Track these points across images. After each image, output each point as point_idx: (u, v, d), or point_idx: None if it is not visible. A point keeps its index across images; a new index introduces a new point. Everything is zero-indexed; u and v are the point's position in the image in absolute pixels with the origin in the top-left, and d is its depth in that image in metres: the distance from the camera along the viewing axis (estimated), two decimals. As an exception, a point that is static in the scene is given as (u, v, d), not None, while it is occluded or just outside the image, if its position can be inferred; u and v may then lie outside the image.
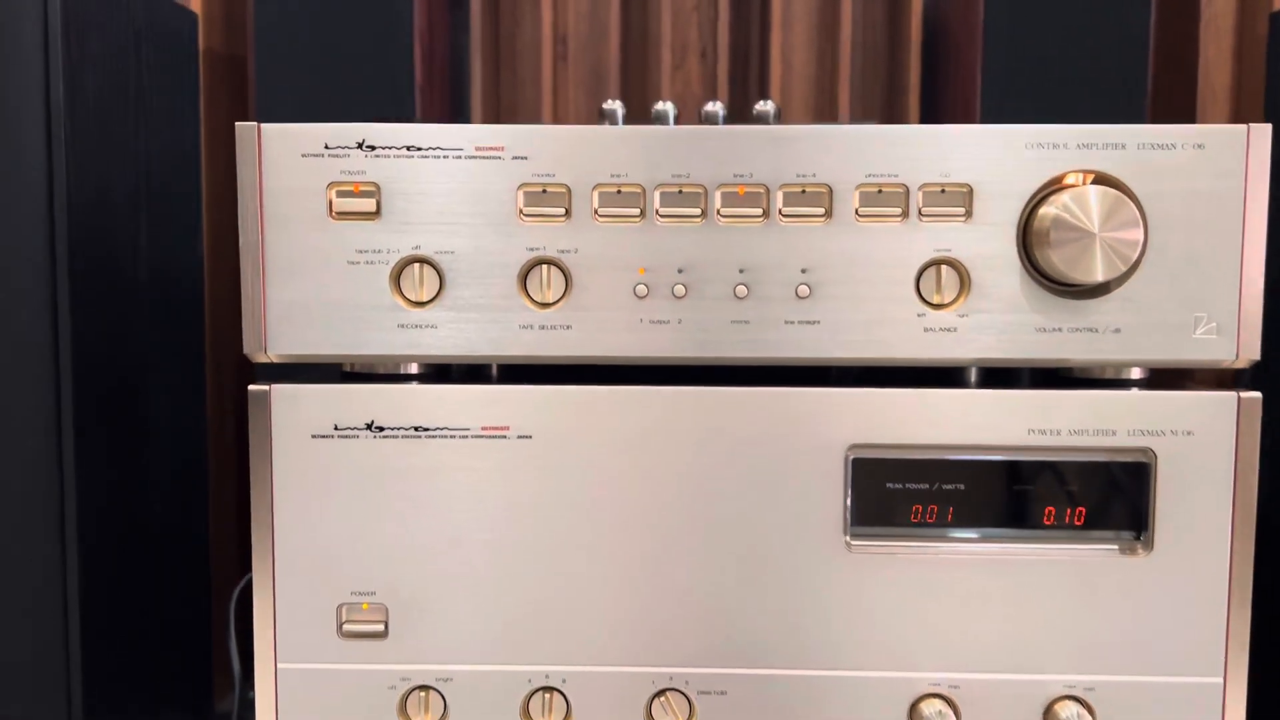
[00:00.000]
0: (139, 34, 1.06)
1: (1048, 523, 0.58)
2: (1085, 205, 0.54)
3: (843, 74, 1.56)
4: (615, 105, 1.33)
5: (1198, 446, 0.56)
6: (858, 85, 1.62)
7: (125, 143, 1.02)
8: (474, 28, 1.61)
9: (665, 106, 1.33)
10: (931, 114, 1.52)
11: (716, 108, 1.32)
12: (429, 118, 1.39)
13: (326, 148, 0.56)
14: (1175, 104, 1.53)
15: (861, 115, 1.62)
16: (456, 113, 1.58)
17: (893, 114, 1.60)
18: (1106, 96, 1.29)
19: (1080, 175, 0.56)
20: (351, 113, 1.29)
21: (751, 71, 1.66)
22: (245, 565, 1.44)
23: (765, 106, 1.31)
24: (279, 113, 1.28)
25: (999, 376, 0.59)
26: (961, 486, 0.58)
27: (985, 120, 1.31)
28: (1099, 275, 0.54)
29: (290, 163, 0.56)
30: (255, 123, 0.56)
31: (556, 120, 1.63)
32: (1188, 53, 1.52)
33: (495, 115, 1.65)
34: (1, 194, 0.86)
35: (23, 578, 0.78)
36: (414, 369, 0.60)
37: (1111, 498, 0.57)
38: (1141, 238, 0.54)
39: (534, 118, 1.62)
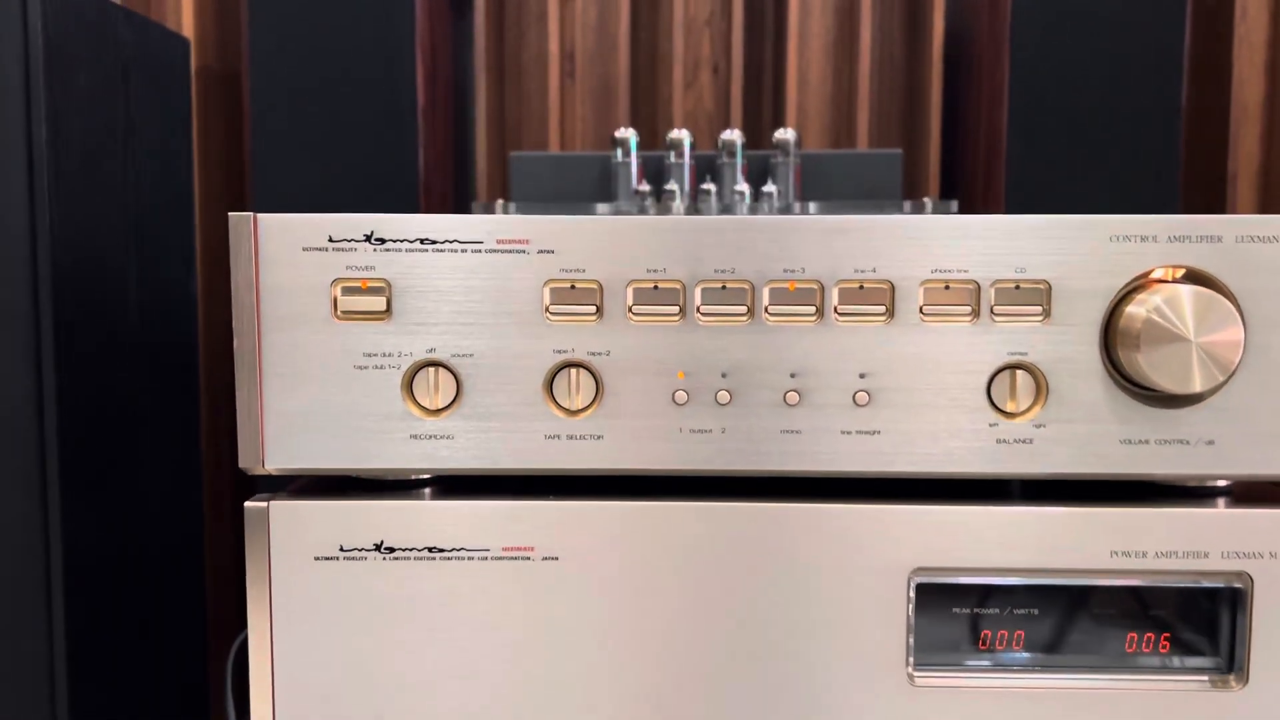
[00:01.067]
0: (127, 66, 1.00)
1: (1130, 651, 0.52)
2: (1179, 308, 0.48)
3: (861, 92, 1.50)
4: (628, 133, 1.28)
5: (1299, 570, 0.51)
6: (875, 104, 1.56)
7: (114, 184, 0.96)
8: (478, 42, 1.54)
9: (680, 135, 1.27)
10: (954, 136, 1.46)
11: (734, 135, 1.27)
12: (432, 142, 1.33)
13: (331, 240, 0.50)
14: (1208, 123, 1.47)
15: (880, 136, 1.56)
16: (460, 134, 1.52)
17: (913, 135, 1.54)
18: (1140, 115, 1.23)
19: (1170, 270, 0.50)
20: (351, 137, 1.24)
21: (765, 88, 1.60)
22: (243, 613, 1.38)
23: (785, 135, 1.26)
24: (274, 136, 1.23)
25: (1078, 488, 0.53)
26: (1035, 612, 0.52)
27: (1013, 142, 1.25)
28: (1196, 386, 0.48)
29: (290, 257, 0.50)
30: (250, 213, 0.50)
31: (564, 140, 1.57)
32: (1221, 69, 1.46)
33: (500, 135, 1.59)
34: (-19, 243, 0.81)
35: (8, 635, 0.75)
36: (427, 486, 0.55)
37: (1202, 625, 0.52)
38: (1241, 341, 0.49)
39: (540, 137, 1.56)
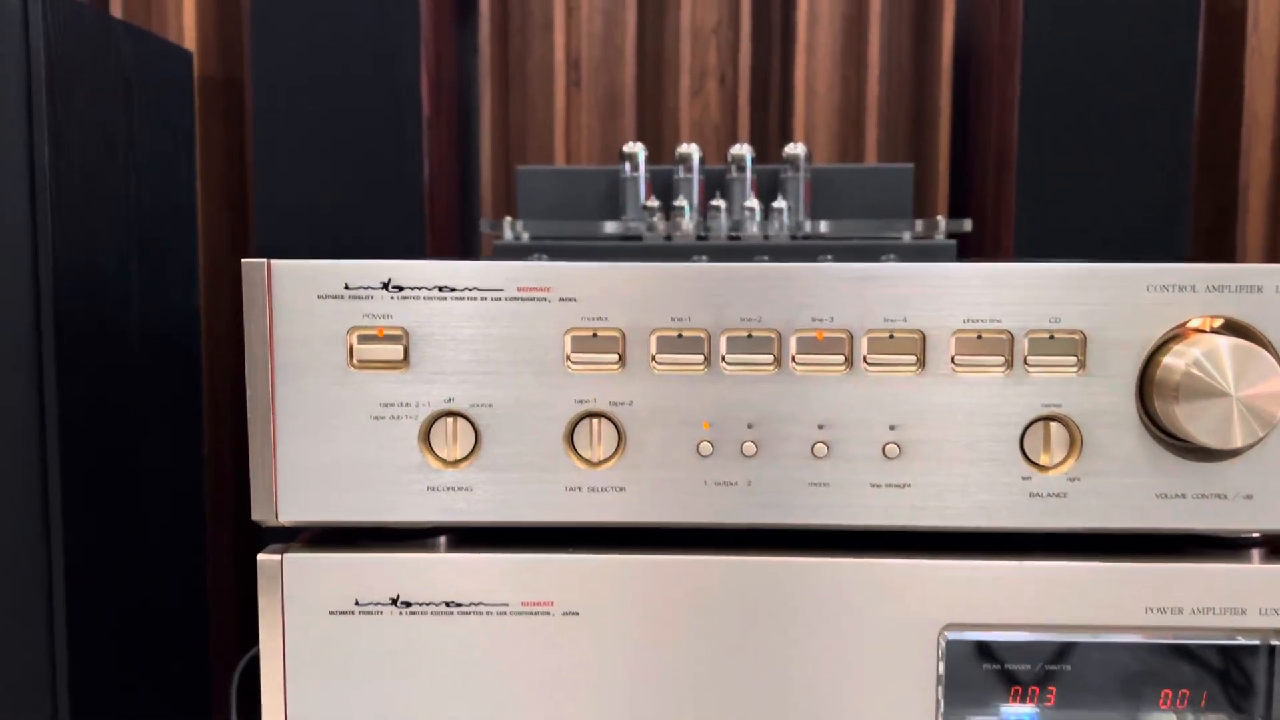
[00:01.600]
0: (129, 81, 0.98)
1: (1164, 707, 0.51)
2: (1219, 361, 0.47)
3: (870, 102, 1.49)
4: (636, 148, 1.26)
5: (1339, 627, 0.49)
6: (884, 114, 1.54)
7: (115, 200, 0.95)
8: (482, 50, 1.53)
9: (689, 149, 1.25)
10: (963, 147, 1.45)
11: (744, 150, 1.25)
12: (436, 152, 1.32)
13: (347, 288, 0.49)
14: (1218, 133, 1.46)
15: (888, 146, 1.55)
16: (464, 143, 1.51)
17: (921, 146, 1.53)
18: (1152, 127, 1.22)
19: (1208, 320, 0.49)
20: (355, 147, 1.22)
21: (773, 98, 1.59)
22: (246, 632, 1.37)
23: (795, 149, 1.24)
24: (277, 146, 1.21)
25: (1112, 542, 0.52)
26: (1068, 668, 0.51)
27: (1025, 154, 1.24)
28: (1237, 441, 0.47)
29: (305, 305, 0.49)
30: (264, 260, 0.49)
31: (569, 149, 1.55)
32: (1232, 80, 1.45)
33: (504, 144, 1.57)
34: (-18, 263, 0.80)
35: (10, 652, 0.75)
36: (444, 535, 0.53)
37: (1239, 683, 0.51)
38: (1283, 396, 0.47)
39: (545, 146, 1.54)
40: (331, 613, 0.51)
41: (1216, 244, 1.48)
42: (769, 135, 1.59)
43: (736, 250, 1.15)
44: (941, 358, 0.49)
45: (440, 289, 0.49)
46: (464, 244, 1.49)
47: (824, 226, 1.18)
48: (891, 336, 0.49)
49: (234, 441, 1.41)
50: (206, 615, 1.14)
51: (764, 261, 1.12)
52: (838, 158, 1.56)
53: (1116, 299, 0.49)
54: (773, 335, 0.49)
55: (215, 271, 1.42)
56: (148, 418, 0.98)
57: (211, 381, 1.35)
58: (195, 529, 1.10)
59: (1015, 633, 0.51)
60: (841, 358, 0.49)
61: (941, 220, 1.16)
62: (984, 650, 0.51)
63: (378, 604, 0.50)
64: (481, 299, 0.49)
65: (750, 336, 0.49)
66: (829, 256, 1.12)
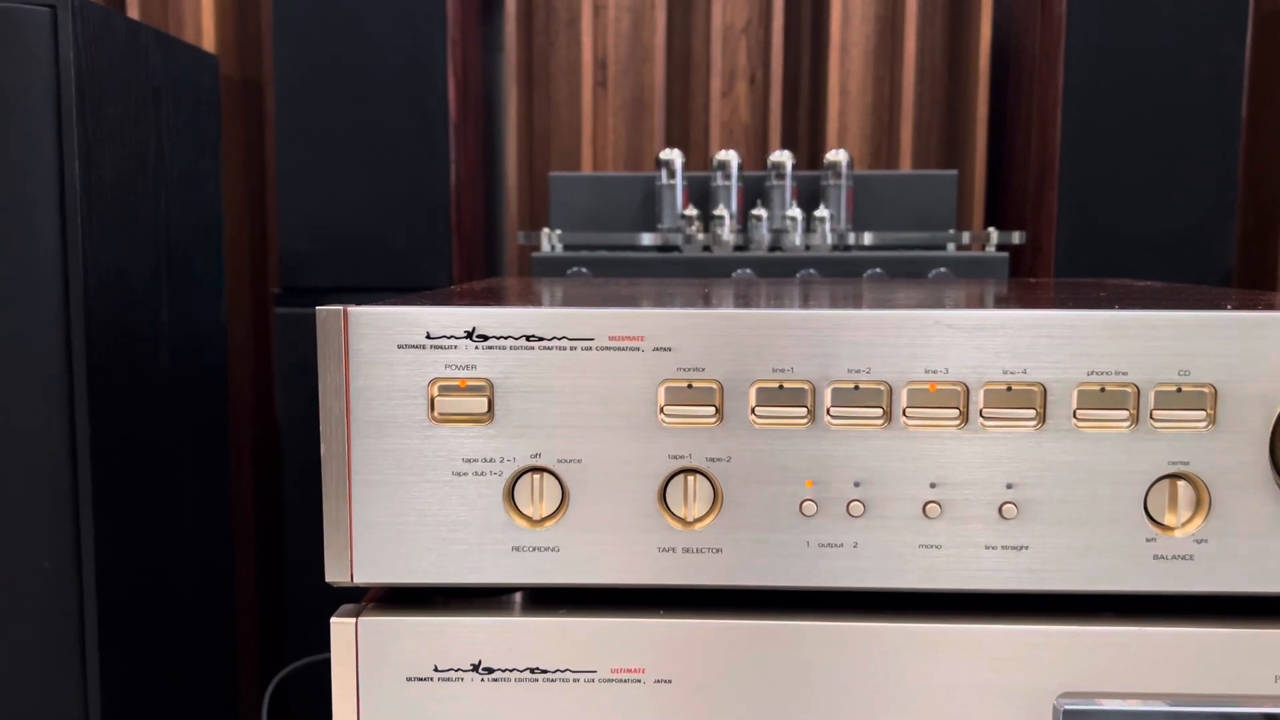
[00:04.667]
0: (159, 91, 0.95)
1: (1291, 780, 0.48)
2: (1364, 418, 0.44)
3: (905, 104, 1.45)
4: (673, 154, 1.23)
5: None
6: (917, 116, 1.51)
7: (145, 215, 0.92)
8: (507, 49, 1.49)
9: (728, 155, 1.22)
10: (999, 152, 1.42)
11: (784, 156, 1.22)
12: (463, 157, 1.28)
13: (429, 337, 0.46)
14: (1260, 138, 1.43)
15: (921, 148, 1.51)
16: (490, 147, 1.47)
17: (956, 150, 1.49)
18: (1199, 133, 1.18)
19: (1347, 372, 0.46)
20: (380, 152, 1.19)
21: (803, 99, 1.55)
22: (268, 646, 1.35)
23: (837, 156, 1.21)
24: (299, 152, 1.18)
25: (1240, 606, 0.49)
26: (1190, 738, 0.48)
27: (1067, 162, 1.21)
28: (1382, 506, 0.44)
29: (384, 355, 0.46)
30: (340, 308, 0.46)
31: (596, 152, 1.52)
32: (1275, 84, 1.41)
33: (529, 146, 1.54)
34: (15, 284, 0.77)
35: (44, 674, 0.75)
36: (524, 595, 0.50)
37: (1371, 755, 0.48)
38: None
39: (572, 148, 1.51)
40: (409, 679, 0.48)
41: (1259, 250, 1.45)
42: (800, 137, 1.55)
43: (778, 262, 1.12)
44: (1063, 412, 0.46)
45: (528, 338, 0.46)
46: (489, 251, 1.46)
47: (868, 237, 1.15)
48: (1009, 389, 0.46)
49: (253, 451, 1.38)
50: (233, 628, 1.11)
51: (809, 274, 1.09)
52: (870, 161, 1.53)
53: (1249, 350, 0.46)
54: (882, 388, 0.46)
55: (234, 279, 1.39)
56: (177, 434, 0.95)
57: (231, 391, 1.31)
58: (221, 542, 1.07)
59: (1136, 701, 0.48)
60: (956, 411, 0.46)
61: (992, 232, 1.13)
62: (1101, 720, 0.48)
63: (458, 670, 0.48)
64: (571, 348, 0.46)
65: (858, 389, 0.46)
66: (878, 270, 1.09)
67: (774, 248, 1.14)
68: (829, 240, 1.13)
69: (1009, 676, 0.47)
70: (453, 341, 0.46)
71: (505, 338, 0.46)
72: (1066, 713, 0.47)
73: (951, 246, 1.13)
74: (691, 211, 1.16)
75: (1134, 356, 0.46)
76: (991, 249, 1.11)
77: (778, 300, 0.54)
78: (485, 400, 0.46)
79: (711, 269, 1.10)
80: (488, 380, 0.46)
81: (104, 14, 0.84)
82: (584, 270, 1.07)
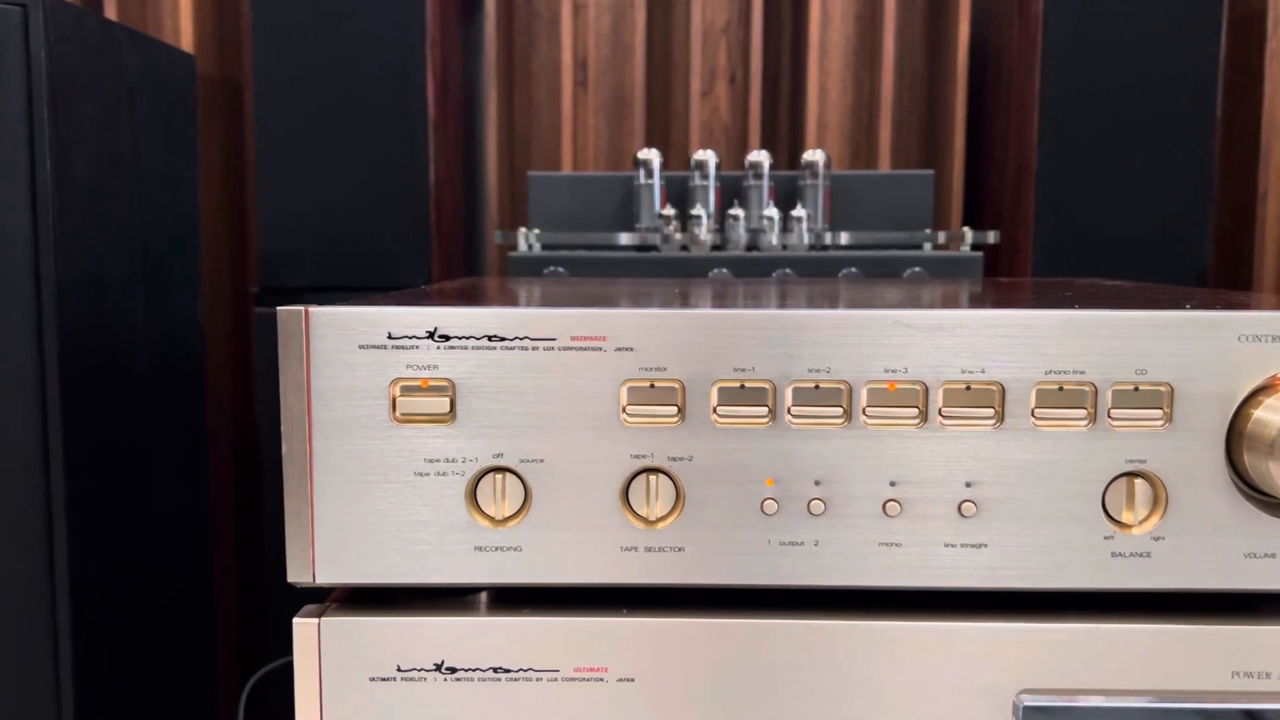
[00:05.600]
0: (133, 91, 0.95)
1: (1248, 774, 0.49)
2: (1317, 416, 0.44)
3: (884, 104, 1.46)
4: (651, 154, 1.23)
5: None
6: (897, 116, 1.51)
7: (120, 216, 0.91)
8: (487, 49, 1.49)
9: (706, 155, 1.22)
10: (978, 152, 1.42)
11: (761, 156, 1.22)
12: (443, 156, 1.28)
13: (390, 337, 0.46)
14: (1237, 137, 1.44)
15: (901, 148, 1.52)
16: (470, 146, 1.47)
17: (935, 150, 1.50)
18: (1174, 133, 1.19)
19: (1301, 370, 0.46)
20: (359, 152, 1.19)
21: (783, 99, 1.56)
22: (249, 646, 1.34)
23: (814, 156, 1.21)
24: (278, 151, 1.17)
25: (1198, 603, 0.49)
26: (1148, 734, 0.48)
27: (1044, 162, 1.21)
28: (1335, 503, 0.45)
29: (345, 356, 0.46)
30: (301, 308, 0.46)
31: (576, 151, 1.52)
32: (1251, 84, 1.42)
33: (510, 146, 1.54)
34: (-16, 288, 0.77)
35: (17, 677, 0.75)
36: (488, 595, 0.50)
37: (1327, 749, 0.48)
38: (1381, 453, 0.45)
39: (552, 147, 1.51)
40: (372, 679, 0.48)
41: (1234, 249, 1.46)
42: (780, 137, 1.56)
43: (755, 262, 1.12)
44: (1021, 411, 0.46)
45: (490, 338, 0.46)
46: (469, 251, 1.46)
47: (844, 237, 1.16)
48: (968, 388, 0.46)
49: (233, 451, 1.38)
50: (213, 630, 1.11)
51: (785, 274, 1.10)
52: (850, 160, 1.53)
53: (1205, 349, 0.46)
54: (842, 387, 0.46)
55: (214, 279, 1.39)
56: (154, 434, 0.95)
57: (210, 390, 1.31)
58: (200, 544, 1.07)
59: (1094, 698, 0.48)
60: (915, 411, 0.46)
61: (967, 232, 1.13)
62: (1061, 717, 0.48)
63: (421, 670, 0.48)
64: (533, 348, 0.46)
65: (818, 388, 0.46)
66: (853, 269, 1.09)
67: (751, 247, 1.14)
68: (806, 240, 1.14)
69: (970, 674, 0.48)
70: (414, 342, 0.46)
71: (467, 338, 0.46)
72: (1027, 709, 0.48)
73: (928, 246, 1.13)
74: (669, 211, 1.17)
75: (1091, 356, 0.46)
76: (966, 248, 1.12)
77: (746, 300, 0.55)
78: (447, 400, 0.46)
79: (688, 269, 1.10)
80: (450, 380, 0.46)
81: (77, 13, 0.83)
82: (560, 270, 1.07)
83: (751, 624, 0.48)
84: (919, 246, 1.13)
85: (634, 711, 0.48)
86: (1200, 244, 1.22)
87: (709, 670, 0.48)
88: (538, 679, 0.48)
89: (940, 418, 0.46)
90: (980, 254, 1.09)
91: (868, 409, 0.47)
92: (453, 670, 0.48)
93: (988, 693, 0.48)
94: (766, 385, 0.47)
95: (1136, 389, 0.46)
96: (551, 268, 1.07)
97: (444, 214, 1.29)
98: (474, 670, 0.48)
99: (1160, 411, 0.46)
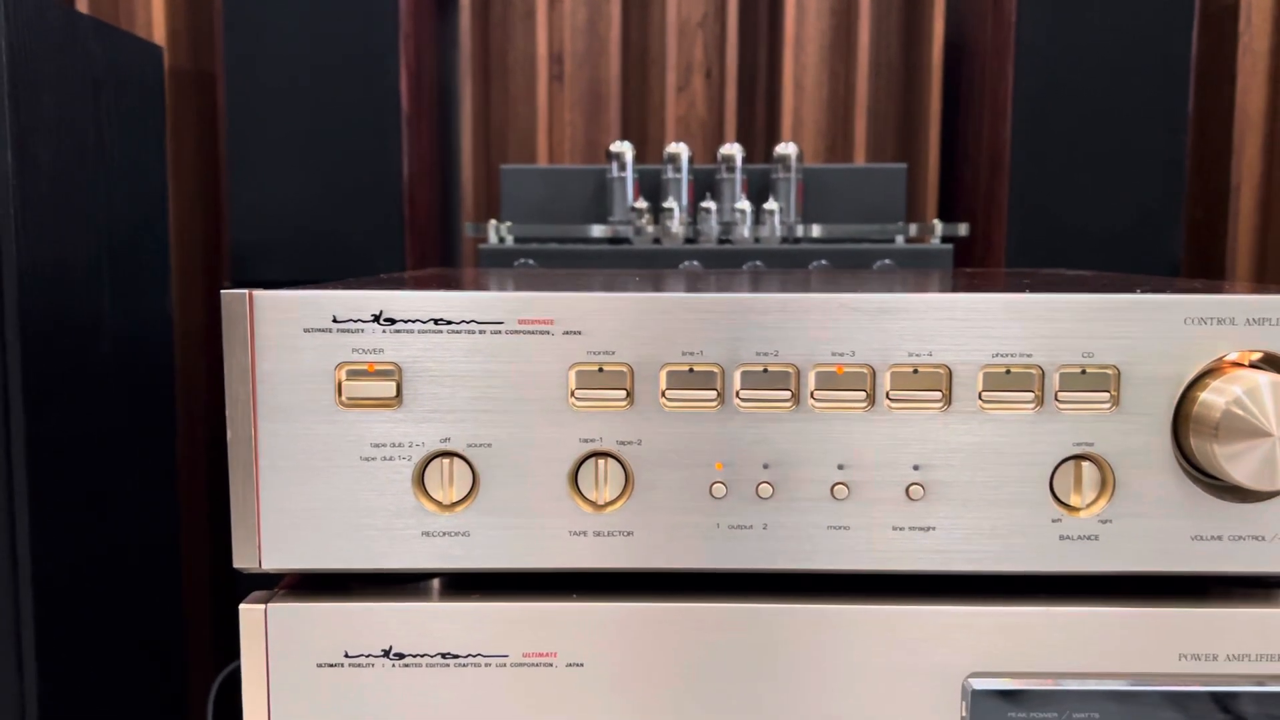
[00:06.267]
0: (99, 82, 0.94)
1: (1196, 756, 0.49)
2: (1259, 400, 0.44)
3: (859, 98, 1.46)
4: (623, 147, 1.23)
5: (1378, 673, 0.47)
6: (873, 110, 1.52)
7: (84, 206, 0.91)
8: (463, 42, 1.49)
9: (678, 148, 1.22)
10: (953, 146, 1.43)
11: (734, 150, 1.22)
12: (416, 150, 1.28)
13: (335, 321, 0.46)
14: (1211, 131, 1.44)
15: (877, 142, 1.52)
16: (445, 140, 1.47)
17: (911, 144, 1.50)
18: (1146, 128, 1.20)
19: (1245, 354, 0.46)
20: (332, 145, 1.18)
21: (760, 93, 1.56)
22: (223, 640, 1.34)
23: (786, 149, 1.21)
24: (250, 144, 1.17)
25: (1145, 585, 0.49)
26: (1098, 717, 0.49)
27: (1018, 155, 1.22)
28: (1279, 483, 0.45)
29: (290, 340, 0.45)
30: (245, 291, 0.45)
31: (552, 145, 1.52)
32: (1223, 78, 1.43)
33: (486, 140, 1.53)
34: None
35: None
36: (439, 580, 0.50)
37: (1274, 731, 0.49)
38: (1325, 435, 0.45)
39: (528, 142, 1.50)
40: (319, 665, 0.47)
41: (1207, 242, 1.46)
42: (756, 131, 1.56)
43: (727, 254, 1.12)
44: (968, 394, 0.46)
45: (435, 322, 0.46)
46: (445, 245, 1.45)
47: (816, 230, 1.16)
48: (915, 372, 0.46)
49: (208, 443, 1.37)
50: (183, 630, 1.10)
51: (756, 266, 1.10)
52: (826, 154, 1.53)
53: (1152, 332, 0.46)
54: (790, 370, 0.46)
55: (188, 271, 1.38)
56: (121, 424, 0.94)
57: (185, 383, 1.31)
58: (168, 535, 1.06)
59: (1043, 681, 0.48)
60: (863, 394, 0.46)
61: (937, 224, 1.13)
62: (1010, 699, 0.48)
63: (369, 655, 0.47)
64: (480, 332, 0.46)
65: (766, 371, 0.46)
66: (823, 261, 1.09)
67: (723, 240, 1.14)
68: (778, 233, 1.14)
69: (919, 657, 0.48)
70: (359, 325, 0.46)
71: (413, 321, 0.46)
72: (975, 692, 0.48)
73: (900, 239, 1.13)
74: (642, 204, 1.16)
75: (1038, 339, 0.46)
76: (936, 241, 1.12)
77: (703, 287, 0.54)
78: (394, 384, 0.46)
79: (660, 261, 1.10)
80: (396, 364, 0.46)
81: (39, 4, 0.83)
82: (530, 262, 1.07)
83: (701, 608, 0.48)
84: (891, 239, 1.13)
85: (583, 696, 0.48)
86: (1172, 237, 1.23)
87: (658, 654, 0.48)
88: (486, 664, 0.48)
89: (888, 401, 0.46)
90: (950, 246, 1.10)
91: (816, 392, 0.47)
92: (400, 656, 0.47)
93: (937, 675, 0.48)
94: (715, 369, 0.46)
95: (1083, 372, 0.46)
96: (521, 260, 1.07)
97: (418, 207, 1.29)
98: (422, 656, 0.47)
99: (1107, 394, 0.46)
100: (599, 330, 0.46)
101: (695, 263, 1.08)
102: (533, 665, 0.48)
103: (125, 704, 0.94)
